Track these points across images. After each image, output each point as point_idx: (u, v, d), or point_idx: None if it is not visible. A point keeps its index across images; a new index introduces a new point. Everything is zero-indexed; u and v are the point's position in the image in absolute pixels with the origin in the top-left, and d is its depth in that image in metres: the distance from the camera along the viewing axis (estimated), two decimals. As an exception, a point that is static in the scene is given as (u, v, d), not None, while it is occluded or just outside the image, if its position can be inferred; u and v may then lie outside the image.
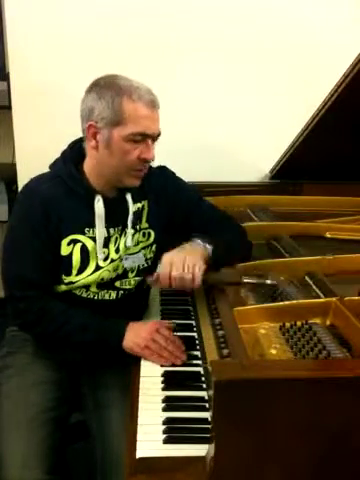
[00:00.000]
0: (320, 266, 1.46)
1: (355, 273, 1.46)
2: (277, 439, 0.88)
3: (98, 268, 1.36)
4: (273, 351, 1.13)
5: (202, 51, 2.01)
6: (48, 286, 1.36)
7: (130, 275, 1.43)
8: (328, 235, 1.73)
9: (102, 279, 1.38)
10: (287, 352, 1.13)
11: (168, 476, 0.97)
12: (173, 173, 1.49)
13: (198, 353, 1.29)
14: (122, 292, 1.43)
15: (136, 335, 1.29)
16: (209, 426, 0.99)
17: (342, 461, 0.91)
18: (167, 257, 1.29)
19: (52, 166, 1.38)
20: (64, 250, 1.33)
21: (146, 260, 1.44)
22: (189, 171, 1.94)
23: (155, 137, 1.29)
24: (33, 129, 2.05)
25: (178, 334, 1.33)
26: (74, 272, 1.35)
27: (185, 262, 1.26)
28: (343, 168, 1.86)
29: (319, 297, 1.30)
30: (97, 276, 1.36)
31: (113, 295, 1.42)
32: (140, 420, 1.08)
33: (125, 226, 1.37)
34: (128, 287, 1.43)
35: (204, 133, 2.07)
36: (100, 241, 1.34)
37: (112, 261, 1.37)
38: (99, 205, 1.32)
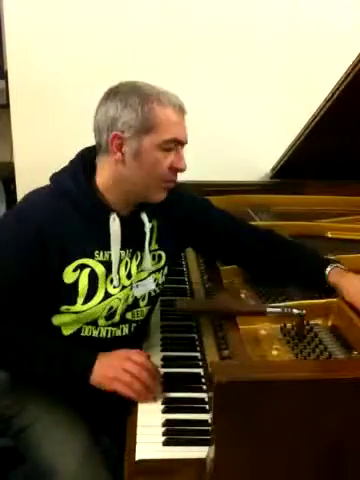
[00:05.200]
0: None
1: (357, 273, 1.45)
2: (278, 441, 0.87)
3: (107, 296, 1.22)
4: (274, 352, 1.13)
5: (202, 50, 2.02)
6: (19, 315, 1.19)
7: (141, 304, 1.30)
8: (329, 235, 1.72)
9: (111, 308, 1.24)
10: (288, 353, 1.12)
11: (168, 478, 0.97)
12: (188, 190, 1.41)
13: (198, 354, 1.28)
14: (135, 325, 1.31)
15: (104, 366, 1.15)
16: (209, 428, 0.99)
17: (343, 462, 0.90)
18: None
19: (57, 179, 1.24)
20: (68, 278, 1.18)
21: (158, 285, 1.32)
22: (189, 170, 1.94)
23: (184, 144, 1.20)
24: (31, 128, 2.05)
25: (178, 335, 1.33)
26: (80, 301, 1.20)
27: None
28: (344, 167, 1.86)
29: (320, 298, 1.29)
30: (106, 305, 1.22)
31: (126, 330, 1.29)
32: (139, 422, 1.08)
33: (137, 248, 1.26)
34: (140, 318, 1.31)
35: (204, 132, 2.06)
36: (115, 265, 1.21)
37: (123, 288, 1.24)
38: (115, 225, 1.19)
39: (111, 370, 1.14)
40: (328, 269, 1.30)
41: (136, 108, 1.13)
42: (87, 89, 1.95)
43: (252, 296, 1.36)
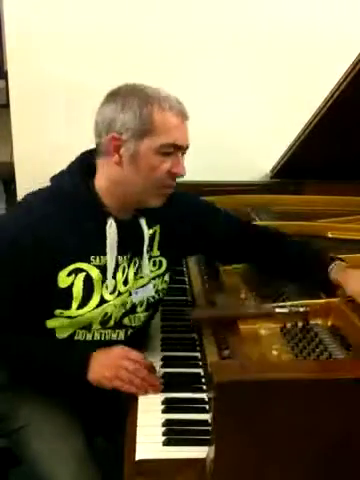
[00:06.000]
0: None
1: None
2: (278, 441, 0.87)
3: (103, 302, 1.20)
4: (274, 352, 1.12)
5: (203, 50, 2.01)
6: (14, 319, 1.18)
7: (139, 310, 1.28)
8: (330, 235, 1.72)
9: (105, 314, 1.22)
10: (288, 353, 1.12)
11: (168, 478, 0.96)
12: (194, 195, 1.39)
13: (198, 354, 1.28)
14: (131, 330, 1.29)
15: (102, 365, 1.15)
16: (209, 428, 0.99)
17: (343, 463, 0.90)
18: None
19: (56, 181, 1.22)
20: (63, 282, 1.16)
21: (157, 291, 1.31)
22: (189, 170, 1.94)
23: (184, 150, 1.18)
24: (31, 128, 2.05)
25: (178, 335, 1.32)
26: (74, 305, 1.18)
27: None
28: (345, 167, 1.86)
29: (321, 298, 1.29)
30: (101, 311, 1.21)
31: (121, 334, 1.27)
32: (139, 422, 1.08)
33: (135, 254, 1.24)
34: (138, 324, 1.30)
35: (204, 132, 2.06)
36: (111, 270, 1.19)
37: (119, 294, 1.23)
38: (112, 230, 1.18)
39: (109, 369, 1.14)
40: (330, 266, 1.29)
41: (135, 110, 1.12)
42: (87, 89, 1.96)
43: (252, 296, 1.36)
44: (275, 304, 1.25)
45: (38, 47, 1.98)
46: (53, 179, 1.23)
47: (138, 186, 1.16)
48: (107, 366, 1.14)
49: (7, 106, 2.10)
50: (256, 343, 1.15)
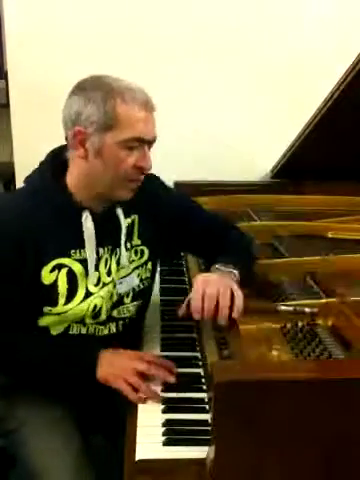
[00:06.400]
0: (321, 266, 1.45)
1: (357, 273, 1.45)
2: (278, 441, 0.87)
3: (89, 294, 1.20)
4: (274, 352, 1.12)
5: (202, 50, 2.02)
6: (7, 320, 1.18)
7: (126, 300, 1.28)
8: (330, 235, 1.72)
9: (95, 307, 1.22)
10: (288, 353, 1.12)
11: (168, 478, 0.96)
12: (163, 182, 1.37)
13: (198, 354, 1.28)
14: (122, 322, 1.29)
15: (112, 364, 1.14)
16: (209, 428, 0.99)
17: (343, 463, 0.90)
18: (199, 283, 1.17)
19: (28, 180, 1.22)
20: (47, 278, 1.15)
21: (141, 281, 1.30)
22: (189, 171, 1.94)
23: (151, 143, 1.16)
24: (31, 127, 2.05)
25: (178, 335, 1.32)
26: (61, 301, 1.18)
27: (220, 290, 1.14)
28: (345, 167, 1.85)
29: (320, 298, 1.29)
30: (88, 304, 1.20)
31: (113, 328, 1.28)
32: (139, 422, 1.07)
33: (116, 245, 1.23)
34: (128, 315, 1.30)
35: (204, 132, 2.07)
36: (92, 263, 1.19)
37: (104, 285, 1.22)
38: (88, 222, 1.17)
39: (118, 368, 1.13)
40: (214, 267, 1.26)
41: (98, 104, 1.10)
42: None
43: (252, 296, 1.36)
44: (280, 303, 1.25)
45: (38, 47, 1.98)
46: (26, 179, 1.23)
47: (105, 179, 1.15)
48: (117, 365, 1.14)
49: (7, 106, 2.10)
50: (256, 343, 1.15)
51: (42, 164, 1.22)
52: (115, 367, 1.14)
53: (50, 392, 1.25)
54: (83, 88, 1.13)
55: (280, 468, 0.89)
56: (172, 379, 1.14)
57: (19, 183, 2.10)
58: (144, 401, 1.11)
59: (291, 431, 0.87)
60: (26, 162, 2.07)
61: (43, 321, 1.21)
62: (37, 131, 2.04)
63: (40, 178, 1.19)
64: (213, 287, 1.16)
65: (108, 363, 1.15)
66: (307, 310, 1.19)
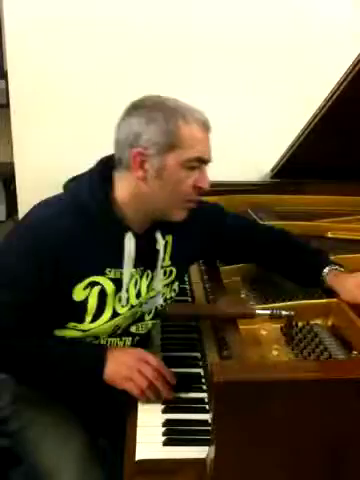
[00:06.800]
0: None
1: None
2: (278, 441, 0.87)
3: (115, 315, 1.18)
4: (274, 352, 1.12)
5: (203, 50, 2.02)
6: (26, 328, 1.15)
7: (147, 318, 1.27)
8: (329, 235, 1.72)
9: (116, 327, 1.21)
10: (288, 353, 1.12)
11: (168, 478, 0.96)
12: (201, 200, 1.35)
13: (198, 354, 1.28)
14: (138, 338, 1.28)
15: (118, 363, 1.13)
16: (209, 428, 0.99)
17: (343, 463, 0.90)
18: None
19: (73, 190, 1.17)
20: (79, 295, 1.14)
21: (165, 300, 1.28)
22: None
23: (208, 163, 1.15)
24: (31, 127, 2.05)
25: (178, 335, 1.32)
26: (88, 319, 1.16)
27: None
28: (345, 167, 1.85)
29: (321, 297, 1.29)
30: (112, 324, 1.19)
31: (128, 342, 1.26)
32: (139, 422, 1.08)
33: (148, 267, 1.21)
34: (144, 332, 1.29)
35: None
36: (126, 284, 1.17)
37: (132, 307, 1.21)
38: (131, 244, 1.15)
39: (125, 369, 1.12)
40: (325, 272, 1.28)
41: (160, 124, 1.08)
42: (87, 89, 1.96)
43: (252, 296, 1.36)
44: (259, 306, 1.23)
45: (38, 47, 1.98)
46: (69, 186, 1.20)
47: (163, 201, 1.14)
48: (123, 365, 1.13)
49: (7, 106, 2.10)
50: (256, 343, 1.15)
51: (90, 176, 1.17)
52: (122, 367, 1.12)
53: (55, 392, 1.24)
54: (142, 108, 1.11)
55: (280, 468, 0.90)
56: (169, 396, 1.12)
57: (19, 183, 2.11)
58: (149, 401, 1.11)
59: (291, 431, 0.87)
60: (26, 162, 2.08)
61: (60, 333, 1.20)
62: (37, 131, 2.04)
63: (90, 193, 1.14)
64: None
65: (115, 362, 1.13)
66: (284, 313, 1.15)
